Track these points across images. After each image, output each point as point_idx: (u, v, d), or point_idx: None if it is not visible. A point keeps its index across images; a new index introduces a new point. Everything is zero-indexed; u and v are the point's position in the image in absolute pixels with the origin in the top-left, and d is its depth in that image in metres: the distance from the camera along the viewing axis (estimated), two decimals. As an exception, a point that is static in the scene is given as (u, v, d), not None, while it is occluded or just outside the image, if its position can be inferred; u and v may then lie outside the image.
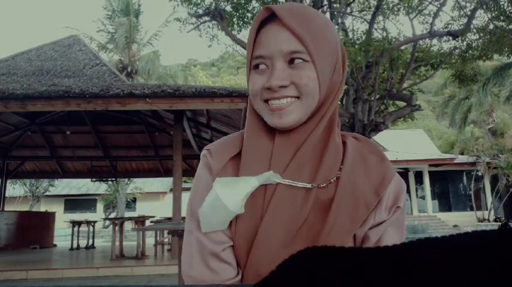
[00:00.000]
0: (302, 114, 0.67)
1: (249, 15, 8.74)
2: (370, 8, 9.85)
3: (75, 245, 10.90)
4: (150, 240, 10.13)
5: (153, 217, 10.62)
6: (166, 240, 9.47)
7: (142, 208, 23.20)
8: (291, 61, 0.66)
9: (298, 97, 0.66)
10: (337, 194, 0.67)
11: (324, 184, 0.68)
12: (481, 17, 9.02)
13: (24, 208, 19.72)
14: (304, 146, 0.68)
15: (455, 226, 17.73)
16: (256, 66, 0.68)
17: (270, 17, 0.67)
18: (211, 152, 0.74)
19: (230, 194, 0.65)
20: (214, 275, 0.68)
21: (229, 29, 8.24)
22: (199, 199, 0.71)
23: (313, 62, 0.65)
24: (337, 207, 0.67)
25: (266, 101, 0.67)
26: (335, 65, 0.69)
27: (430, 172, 19.34)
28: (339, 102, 10.16)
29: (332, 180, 0.69)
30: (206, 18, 8.43)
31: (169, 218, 8.64)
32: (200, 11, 8.42)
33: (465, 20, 8.68)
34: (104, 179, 14.14)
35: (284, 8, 0.67)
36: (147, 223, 9.49)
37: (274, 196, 0.67)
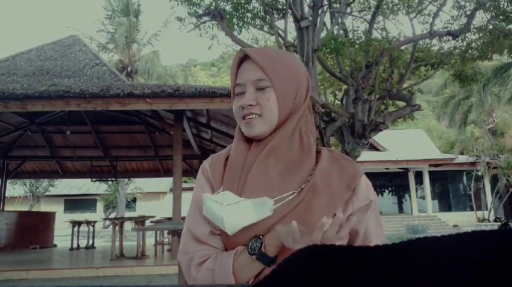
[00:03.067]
0: (264, 127, 0.87)
1: (249, 15, 8.74)
2: (370, 8, 9.84)
3: (75, 245, 10.89)
4: (150, 240, 10.12)
5: (153, 217, 10.61)
6: (166, 240, 9.47)
7: (142, 208, 23.19)
8: (258, 87, 0.88)
9: (260, 115, 0.87)
10: (310, 184, 0.85)
11: (303, 186, 0.85)
12: (481, 17, 9.02)
13: (24, 208, 19.71)
14: (268, 145, 0.87)
15: (455, 226, 17.74)
16: (238, 93, 0.91)
17: (246, 56, 0.90)
18: (210, 157, 0.99)
19: (231, 221, 0.80)
20: (202, 251, 0.87)
21: (229, 29, 8.23)
22: (194, 197, 0.94)
23: (273, 87, 0.87)
24: (311, 196, 0.84)
25: (243, 117, 0.89)
26: (297, 90, 0.89)
27: (430, 172, 19.33)
28: (339, 102, 10.15)
29: (309, 178, 0.86)
30: (206, 18, 8.42)
31: (169, 218, 8.64)
32: (200, 11, 8.41)
33: (465, 20, 8.67)
34: (104, 179, 14.14)
35: (255, 50, 0.91)
36: (147, 223, 9.49)
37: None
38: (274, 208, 0.81)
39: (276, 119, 0.88)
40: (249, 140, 0.92)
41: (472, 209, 18.50)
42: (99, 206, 25.16)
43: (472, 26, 8.61)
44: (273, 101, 0.87)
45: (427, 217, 18.38)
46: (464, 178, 20.44)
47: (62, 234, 15.34)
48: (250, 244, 0.80)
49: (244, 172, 0.87)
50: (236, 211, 0.80)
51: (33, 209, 19.68)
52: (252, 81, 0.88)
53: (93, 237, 11.43)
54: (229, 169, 0.91)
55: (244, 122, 0.89)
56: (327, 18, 8.99)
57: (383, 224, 0.93)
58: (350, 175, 0.88)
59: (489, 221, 17.07)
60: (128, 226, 12.32)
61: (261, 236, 0.80)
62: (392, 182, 21.05)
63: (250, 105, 0.87)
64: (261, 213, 0.81)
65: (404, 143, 21.90)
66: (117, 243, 8.33)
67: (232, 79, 0.92)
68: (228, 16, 8.29)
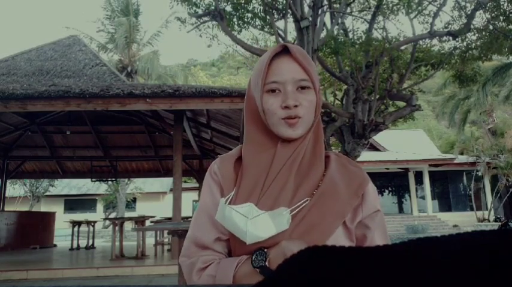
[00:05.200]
0: (304, 129, 0.85)
1: (249, 15, 8.73)
2: (370, 8, 9.84)
3: (75, 245, 10.90)
4: (150, 240, 10.13)
5: (153, 217, 10.62)
6: (166, 240, 9.48)
7: (142, 208, 23.21)
8: (299, 87, 0.85)
9: (301, 117, 0.84)
10: (320, 190, 0.84)
11: (314, 192, 0.84)
12: (481, 18, 9.01)
13: (24, 208, 19.71)
14: (297, 150, 0.86)
15: (455, 226, 17.74)
16: (271, 90, 0.86)
17: (280, 52, 0.87)
18: (218, 159, 0.94)
19: (253, 234, 0.78)
20: (205, 256, 0.86)
21: (229, 29, 8.22)
22: (202, 201, 0.91)
23: (314, 88, 0.86)
24: (321, 204, 0.82)
25: (285, 117, 0.84)
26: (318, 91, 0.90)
27: (430, 172, 19.33)
28: (339, 102, 10.15)
29: (319, 184, 0.85)
30: (206, 18, 8.41)
31: (169, 218, 8.64)
32: (199, 11, 8.40)
33: (465, 20, 8.67)
34: (104, 179, 14.14)
35: (294, 47, 0.87)
36: (147, 223, 9.50)
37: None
38: (290, 221, 0.80)
39: (312, 122, 0.86)
40: (272, 142, 0.88)
41: (472, 209, 18.50)
42: (99, 206, 25.16)
43: (472, 26, 8.60)
44: (313, 103, 0.86)
45: (427, 217, 18.38)
46: (464, 178, 20.44)
47: (62, 234, 15.35)
48: (254, 256, 0.78)
49: (270, 177, 0.84)
50: (257, 224, 0.79)
51: (33, 209, 19.68)
52: (295, 81, 0.84)
53: (93, 237, 11.44)
54: (249, 171, 0.86)
55: (287, 123, 0.84)
56: (327, 18, 8.99)
57: (388, 237, 0.91)
58: (358, 182, 0.87)
59: (489, 221, 17.07)
60: (128, 226, 12.34)
61: (265, 249, 0.79)
62: (393, 182, 21.05)
63: (296, 106, 0.83)
64: (279, 226, 0.79)
65: (404, 143, 21.91)
66: (117, 243, 8.34)
67: (264, 73, 0.85)
68: (228, 16, 8.28)
